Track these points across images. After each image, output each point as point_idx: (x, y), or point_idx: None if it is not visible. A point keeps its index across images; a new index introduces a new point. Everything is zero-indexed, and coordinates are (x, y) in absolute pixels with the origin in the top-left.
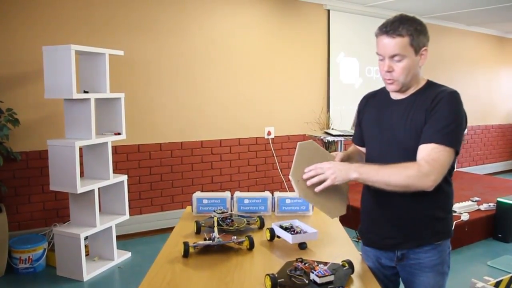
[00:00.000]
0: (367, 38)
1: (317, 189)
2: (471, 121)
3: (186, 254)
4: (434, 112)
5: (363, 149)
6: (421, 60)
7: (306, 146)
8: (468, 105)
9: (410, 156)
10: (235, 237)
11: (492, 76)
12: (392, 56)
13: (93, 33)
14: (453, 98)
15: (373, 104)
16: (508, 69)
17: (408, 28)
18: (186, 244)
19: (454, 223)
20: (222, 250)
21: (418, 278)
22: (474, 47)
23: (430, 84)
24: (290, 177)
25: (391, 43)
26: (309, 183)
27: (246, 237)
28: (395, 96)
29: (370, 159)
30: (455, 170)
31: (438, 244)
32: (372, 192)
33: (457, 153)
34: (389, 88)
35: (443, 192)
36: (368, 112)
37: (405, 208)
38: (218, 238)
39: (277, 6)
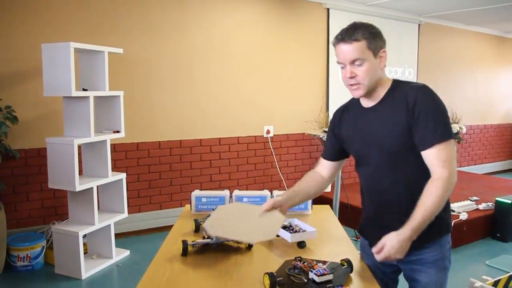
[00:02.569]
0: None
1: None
2: (470, 121)
3: (185, 252)
4: (418, 113)
5: (333, 164)
6: (381, 62)
7: (226, 208)
8: (466, 105)
9: (397, 159)
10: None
11: (491, 75)
12: (353, 62)
13: (93, 31)
14: (427, 92)
15: (349, 117)
16: (507, 69)
17: (363, 32)
18: (184, 243)
19: (453, 222)
20: (221, 248)
21: (420, 274)
22: (473, 47)
23: (396, 83)
24: (204, 225)
25: (350, 49)
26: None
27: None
28: (367, 104)
29: (362, 170)
30: None
31: (439, 239)
32: (372, 196)
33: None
34: (355, 94)
35: None
36: (346, 125)
37: (406, 210)
38: (216, 236)
39: (276, 5)
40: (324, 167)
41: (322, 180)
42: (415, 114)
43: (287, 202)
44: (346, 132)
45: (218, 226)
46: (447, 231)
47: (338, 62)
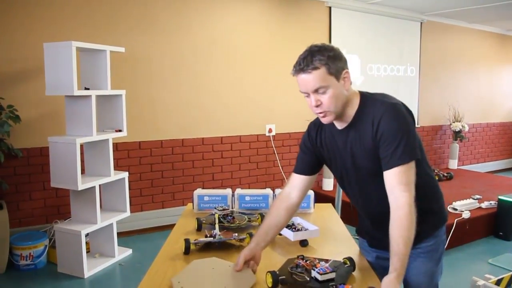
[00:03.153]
0: (369, 36)
1: None
2: (472, 119)
3: (187, 251)
4: (381, 133)
5: (307, 179)
6: (345, 83)
7: (200, 262)
8: (469, 103)
9: (378, 178)
10: (236, 234)
11: (494, 74)
12: (316, 90)
13: (94, 30)
14: (391, 112)
15: (325, 136)
16: (509, 67)
17: (320, 58)
18: (187, 241)
19: (456, 221)
20: (223, 247)
21: (412, 263)
22: (475, 45)
23: (364, 101)
24: (172, 279)
25: (309, 78)
26: None
27: (247, 234)
28: (339, 125)
29: (346, 189)
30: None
31: (434, 232)
32: (363, 210)
33: (417, 160)
34: (324, 121)
35: (430, 185)
36: (324, 140)
37: None
38: (219, 235)
39: (278, 3)
40: (296, 185)
41: (291, 205)
42: (377, 136)
43: (258, 247)
44: (326, 153)
45: (186, 282)
46: (441, 223)
47: (301, 92)
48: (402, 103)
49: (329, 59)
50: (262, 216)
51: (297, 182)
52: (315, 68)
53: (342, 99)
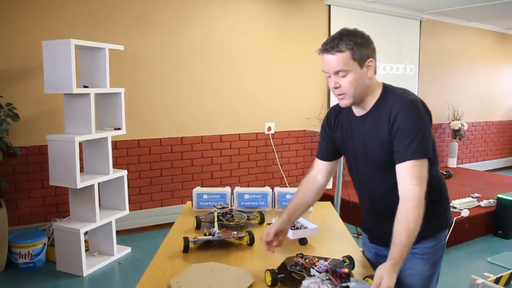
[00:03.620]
0: (368, 34)
1: None
2: (471, 118)
3: (186, 249)
4: (397, 127)
5: (329, 164)
6: (368, 71)
7: (199, 266)
8: (468, 102)
9: (386, 170)
10: (235, 232)
11: (493, 72)
12: (337, 72)
13: (93, 28)
14: (409, 108)
15: (342, 122)
16: (508, 65)
17: (347, 43)
18: (186, 239)
19: (455, 219)
20: (222, 245)
21: (408, 263)
22: (474, 44)
23: (386, 93)
24: (170, 280)
25: (333, 60)
26: None
27: (247, 233)
28: (357, 112)
29: (353, 177)
30: (438, 162)
31: (434, 235)
32: (366, 203)
33: (429, 159)
34: (341, 103)
35: (436, 187)
36: (340, 129)
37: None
38: (218, 233)
39: (278, 2)
40: (320, 169)
41: (318, 186)
42: (393, 130)
43: (289, 222)
44: (340, 137)
45: (185, 283)
46: (443, 227)
47: (323, 71)
48: (421, 101)
49: (356, 45)
50: (261, 214)
51: (320, 166)
52: (340, 51)
53: (362, 86)
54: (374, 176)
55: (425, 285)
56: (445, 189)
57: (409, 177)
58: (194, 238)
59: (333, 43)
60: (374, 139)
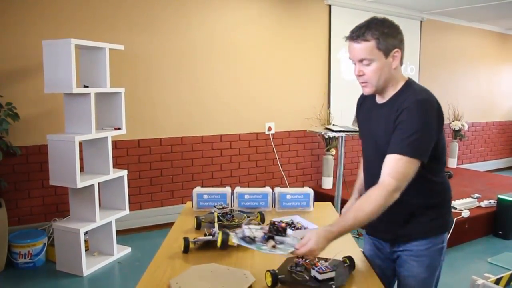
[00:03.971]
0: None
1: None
2: (472, 118)
3: (186, 249)
4: (400, 121)
5: None
6: (393, 62)
7: (199, 268)
8: (469, 102)
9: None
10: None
11: (493, 73)
12: (361, 60)
13: (94, 27)
14: (419, 107)
15: (366, 105)
16: (509, 66)
17: (373, 32)
18: (186, 240)
19: (455, 219)
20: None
21: (404, 265)
22: (475, 44)
23: (406, 87)
24: (170, 281)
25: (358, 48)
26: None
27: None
28: (379, 99)
29: (363, 161)
30: (446, 165)
31: (428, 237)
32: (371, 180)
33: (422, 162)
34: (364, 91)
35: (437, 193)
36: (362, 112)
37: (397, 207)
38: (218, 233)
39: (278, 2)
40: None
41: None
42: (396, 122)
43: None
44: (361, 119)
45: (185, 284)
46: (440, 231)
47: (349, 58)
48: (437, 104)
49: (382, 35)
50: (262, 215)
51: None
52: (365, 40)
53: (386, 76)
54: (378, 161)
55: (422, 287)
56: (447, 195)
57: (390, 168)
58: (194, 239)
59: (359, 32)
60: (384, 127)
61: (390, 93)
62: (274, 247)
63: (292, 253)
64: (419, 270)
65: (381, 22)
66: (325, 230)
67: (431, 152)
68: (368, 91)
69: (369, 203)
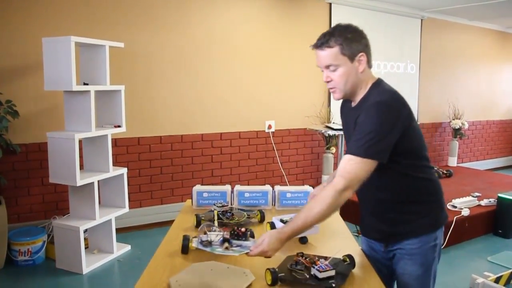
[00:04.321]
0: (369, 32)
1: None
2: (472, 117)
3: (185, 250)
4: (357, 122)
5: None
6: (359, 66)
7: (198, 266)
8: (469, 100)
9: None
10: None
11: (494, 71)
12: (327, 67)
13: (94, 25)
14: (375, 108)
15: (344, 110)
16: (509, 64)
17: (337, 38)
18: (185, 239)
19: (455, 218)
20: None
21: (399, 263)
22: (475, 42)
23: (373, 88)
24: (170, 279)
25: (323, 55)
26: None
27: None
28: (353, 103)
29: None
30: (429, 160)
31: (420, 235)
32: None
33: (381, 162)
34: (334, 96)
35: (422, 190)
36: (343, 117)
37: (384, 207)
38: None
39: (279, 0)
40: None
41: None
42: (356, 122)
43: None
44: (342, 125)
45: (184, 281)
46: (431, 229)
47: (317, 66)
48: (400, 104)
49: (346, 40)
50: (262, 213)
51: None
52: (329, 47)
53: (353, 80)
54: None
55: (419, 285)
56: (436, 191)
57: (341, 169)
58: (194, 237)
59: (324, 39)
60: (352, 130)
61: (360, 96)
62: (227, 248)
63: (246, 254)
64: (413, 268)
65: (344, 28)
66: (278, 232)
67: (405, 150)
68: (337, 96)
69: (318, 203)
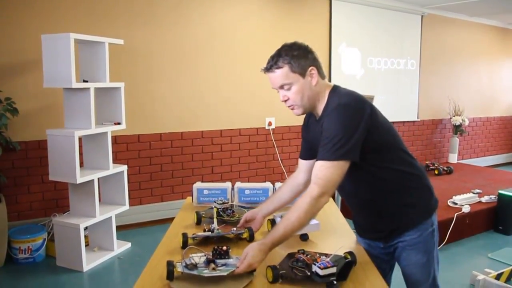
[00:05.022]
0: (369, 29)
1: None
2: (472, 113)
3: (184, 245)
4: (322, 130)
5: (310, 163)
6: (312, 79)
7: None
8: (469, 97)
9: None
10: (235, 228)
11: (494, 68)
12: (281, 87)
13: (94, 22)
14: (335, 112)
15: (311, 123)
16: (510, 60)
17: (284, 58)
18: (184, 236)
19: (455, 215)
20: (222, 241)
21: (402, 255)
22: (476, 39)
23: (330, 97)
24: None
25: (274, 76)
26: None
27: (246, 229)
28: (316, 116)
29: None
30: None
31: (417, 225)
32: (345, 195)
33: (355, 163)
34: (295, 113)
35: (406, 179)
36: (309, 130)
37: (376, 206)
38: (217, 229)
39: None
40: (301, 168)
41: (295, 183)
42: (321, 131)
43: (260, 213)
44: (310, 138)
45: (184, 281)
46: (426, 216)
47: (273, 88)
48: (360, 103)
49: (293, 58)
50: None
51: (302, 166)
52: (278, 68)
53: (309, 94)
54: None
55: (425, 272)
56: (416, 181)
57: (314, 176)
58: (193, 234)
59: (272, 62)
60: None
61: (320, 108)
62: (214, 269)
63: (234, 272)
64: (418, 257)
65: (289, 47)
66: (259, 244)
67: (378, 145)
68: (297, 112)
69: (294, 211)
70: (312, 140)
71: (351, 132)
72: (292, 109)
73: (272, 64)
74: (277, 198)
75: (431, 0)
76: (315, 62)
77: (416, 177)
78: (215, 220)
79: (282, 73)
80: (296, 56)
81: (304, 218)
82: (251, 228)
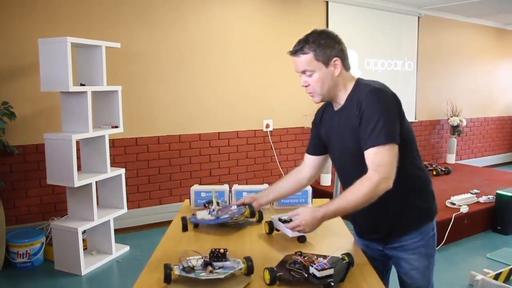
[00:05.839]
0: (366, 30)
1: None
2: (470, 114)
3: (185, 229)
4: (361, 116)
5: (317, 159)
6: (335, 70)
7: None
8: (467, 97)
9: (358, 158)
10: (235, 206)
11: (491, 68)
12: (303, 72)
13: (90, 25)
14: (373, 95)
15: (326, 118)
16: (507, 61)
17: (310, 45)
18: (184, 219)
19: (453, 215)
20: (222, 240)
21: (403, 259)
22: (473, 39)
23: (357, 85)
24: None
25: (298, 61)
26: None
27: (247, 206)
28: (336, 106)
29: (336, 170)
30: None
31: (419, 228)
32: (348, 184)
33: (397, 143)
34: (313, 100)
35: (414, 181)
36: (324, 125)
37: (379, 205)
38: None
39: None
40: (307, 163)
41: (300, 179)
42: (359, 117)
43: (260, 198)
44: (324, 132)
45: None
46: (428, 220)
47: (295, 71)
48: (391, 91)
49: (319, 46)
50: (260, 212)
51: (309, 161)
52: (303, 53)
53: (329, 83)
54: (351, 167)
55: (424, 276)
56: (426, 183)
57: (371, 163)
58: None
59: (298, 47)
60: (348, 128)
61: (343, 97)
62: (211, 272)
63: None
64: (420, 261)
65: (318, 34)
66: (312, 209)
67: (402, 140)
68: (316, 99)
69: (352, 192)
70: (327, 133)
71: (391, 115)
72: (311, 96)
73: (298, 49)
74: (277, 189)
75: (428, 1)
76: (341, 53)
77: (424, 179)
78: (214, 201)
79: (306, 59)
80: (322, 44)
81: (361, 201)
82: (251, 205)
